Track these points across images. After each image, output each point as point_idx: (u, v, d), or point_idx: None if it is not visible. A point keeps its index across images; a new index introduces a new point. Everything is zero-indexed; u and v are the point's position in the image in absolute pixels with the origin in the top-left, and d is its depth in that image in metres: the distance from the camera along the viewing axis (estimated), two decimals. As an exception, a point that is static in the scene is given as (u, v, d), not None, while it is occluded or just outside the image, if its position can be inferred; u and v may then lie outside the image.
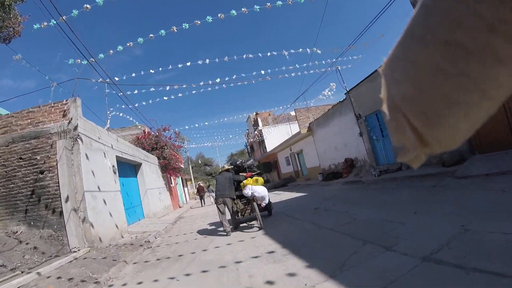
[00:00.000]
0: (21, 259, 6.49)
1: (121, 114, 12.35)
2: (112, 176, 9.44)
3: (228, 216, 7.46)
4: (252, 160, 9.12)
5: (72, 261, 6.24)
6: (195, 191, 41.54)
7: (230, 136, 45.76)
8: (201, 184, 24.98)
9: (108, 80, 9.09)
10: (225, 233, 6.84)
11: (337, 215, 6.32)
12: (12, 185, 7.94)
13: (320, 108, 21.67)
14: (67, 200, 7.09)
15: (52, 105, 8.27)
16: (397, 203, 6.27)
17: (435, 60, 0.43)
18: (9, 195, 7.93)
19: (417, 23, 0.46)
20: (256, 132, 33.86)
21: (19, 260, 6.44)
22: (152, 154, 17.46)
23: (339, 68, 15.93)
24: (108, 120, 10.46)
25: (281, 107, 30.64)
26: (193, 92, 11.49)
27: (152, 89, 11.91)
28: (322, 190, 12.93)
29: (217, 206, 7.29)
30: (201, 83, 11.19)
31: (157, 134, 19.09)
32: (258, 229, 6.76)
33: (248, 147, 46.70)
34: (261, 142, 34.93)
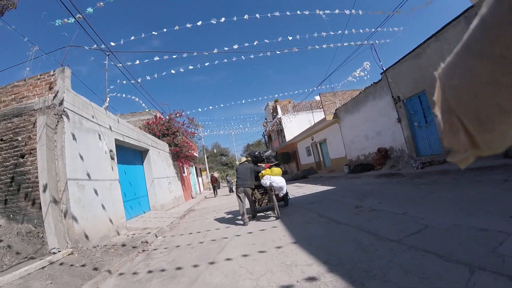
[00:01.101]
0: (-14, 262, 5.25)
1: (124, 96, 10.96)
2: (109, 162, 8.12)
3: (247, 205, 7.54)
4: (270, 151, 9.09)
5: (45, 267, 4.93)
6: (209, 181, 40.76)
7: (248, 124, 44.22)
8: (215, 175, 24.57)
9: (102, 46, 7.68)
10: (243, 223, 6.93)
11: (393, 218, 4.69)
12: (-9, 171, 6.72)
13: (348, 94, 19.74)
14: (45, 189, 5.76)
15: (38, 77, 6.98)
16: (472, 202, 4.56)
17: (491, 72, 0.48)
18: (-13, 182, 6.73)
19: (476, 36, 0.51)
20: (276, 120, 32.18)
21: (-17, 263, 5.21)
22: (163, 141, 16.20)
23: (375, 42, 14.01)
24: (108, 99, 9.14)
25: (306, 90, 28.53)
26: (206, 64, 9.76)
27: (164, 73, 10.46)
28: (353, 184, 11.26)
29: (237, 195, 7.42)
30: (215, 51, 9.48)
31: (169, 119, 17.79)
32: (275, 218, 6.88)
33: (266, 136, 45.16)
34: (280, 131, 33.25)
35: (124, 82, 9.75)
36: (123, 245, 6.19)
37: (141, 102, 11.55)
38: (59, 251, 5.49)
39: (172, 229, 8.27)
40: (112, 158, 8.29)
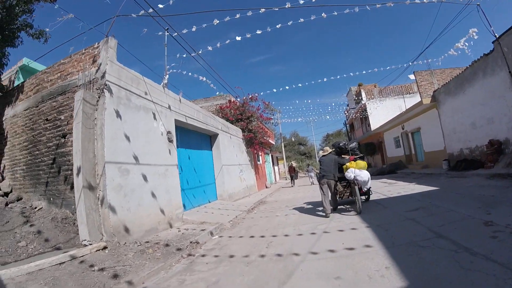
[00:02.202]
0: (12, 246, 4.50)
1: (188, 74, 9.86)
2: (165, 145, 7.05)
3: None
4: (355, 143, 8.67)
5: (64, 262, 3.93)
6: (287, 170, 39.35)
7: (328, 111, 41.18)
8: (293, 164, 23.91)
9: (150, 11, 6.47)
10: (325, 215, 6.71)
11: None
12: (37, 152, 6.16)
13: (447, 73, 15.91)
14: (78, 172, 4.78)
15: (83, 51, 6.22)
16: None
17: None
18: (34, 163, 6.22)
19: None
20: (360, 105, 28.91)
21: (9, 247, 4.46)
22: (236, 126, 15.11)
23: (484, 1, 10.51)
24: (167, 76, 8.08)
25: (397, 66, 24.55)
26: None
27: (228, 41, 9.04)
28: (462, 185, 8.41)
29: (320, 187, 7.13)
30: (289, 22, 7.71)
31: (243, 103, 16.62)
32: (356, 213, 6.58)
33: (347, 125, 41.69)
34: (364, 119, 29.85)
35: (184, 55, 8.56)
36: (167, 245, 4.95)
37: (209, 82, 10.40)
38: (90, 244, 4.48)
39: (234, 226, 6.86)
40: (170, 141, 7.22)
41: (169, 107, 7.62)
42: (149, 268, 3.90)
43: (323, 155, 7.45)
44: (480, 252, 2.96)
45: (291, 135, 65.59)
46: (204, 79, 10.15)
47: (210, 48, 8.18)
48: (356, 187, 6.80)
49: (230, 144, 12.90)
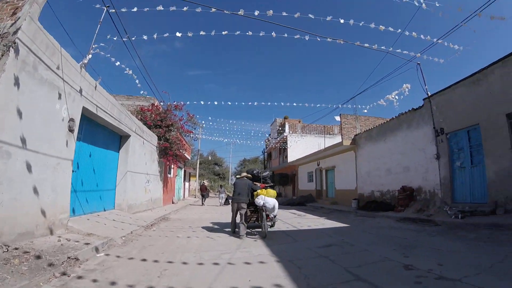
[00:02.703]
0: None
1: (117, 63, 8.87)
2: (64, 133, 6.07)
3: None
4: (268, 171, 9.42)
5: None
6: (198, 188, 38.46)
7: (251, 134, 42.12)
8: (206, 183, 24.92)
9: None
10: (238, 236, 7.12)
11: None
12: None
13: (371, 121, 17.82)
14: None
15: (7, 0, 5.11)
16: None
17: None
18: None
19: None
20: (282, 137, 30.25)
21: None
22: (153, 132, 14.20)
23: (423, 60, 12.27)
24: (90, 55, 7.15)
25: (328, 105, 26.30)
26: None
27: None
28: (372, 226, 9.14)
29: (232, 209, 7.78)
30: (224, 32, 7.59)
31: (166, 110, 15.82)
32: (261, 236, 7.17)
33: (266, 153, 43.19)
34: (283, 150, 31.29)
35: (115, 38, 7.74)
36: (38, 257, 4.07)
37: (134, 76, 9.54)
38: None
39: (126, 243, 6.03)
40: (71, 130, 6.25)
41: (80, 92, 6.66)
42: (8, 286, 3.10)
43: (238, 178, 8.18)
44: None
45: (209, 153, 65.18)
46: (130, 72, 9.33)
47: (145, 37, 7.56)
48: (264, 213, 7.38)
49: (141, 149, 11.96)
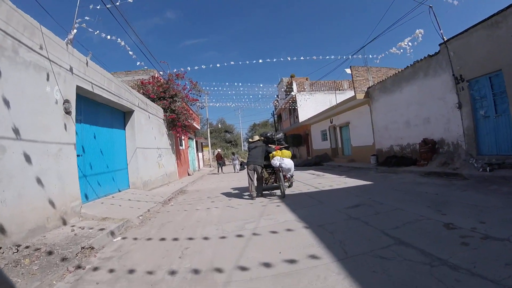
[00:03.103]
0: None
1: (107, 37, 8.16)
2: (60, 117, 5.66)
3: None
4: (282, 134, 9.40)
5: None
6: (212, 157, 38.56)
7: (259, 97, 41.43)
8: (220, 152, 24.93)
9: None
10: (250, 197, 7.69)
11: None
12: None
13: (383, 72, 16.82)
14: None
15: None
16: None
17: None
18: None
19: None
20: (290, 97, 29.42)
21: None
22: (158, 105, 13.73)
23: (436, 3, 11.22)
24: (74, 30, 6.55)
25: (337, 57, 25.14)
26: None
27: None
28: (397, 181, 8.74)
29: (247, 172, 7.91)
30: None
31: (168, 80, 15.22)
32: (280, 197, 7.43)
33: (275, 116, 42.54)
34: (293, 111, 30.58)
35: (98, 7, 7.01)
36: (50, 253, 3.81)
37: (128, 48, 8.90)
38: None
39: (144, 223, 5.81)
40: (67, 112, 5.82)
41: (71, 70, 6.15)
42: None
43: (252, 142, 8.33)
44: (461, 265, 2.60)
45: (218, 121, 64.94)
46: (123, 43, 8.66)
47: None
48: (281, 174, 7.71)
49: (148, 124, 11.57)
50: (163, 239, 4.54)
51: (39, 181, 4.80)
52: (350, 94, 20.42)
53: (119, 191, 8.84)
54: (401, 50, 11.98)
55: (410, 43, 11.53)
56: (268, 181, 8.68)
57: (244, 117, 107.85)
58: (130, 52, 9.19)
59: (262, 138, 8.82)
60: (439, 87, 10.54)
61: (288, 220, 5.05)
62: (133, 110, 10.01)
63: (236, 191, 9.73)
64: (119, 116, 9.69)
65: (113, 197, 7.90)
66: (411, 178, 9.13)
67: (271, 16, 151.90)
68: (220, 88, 20.16)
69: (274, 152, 8.01)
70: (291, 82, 30.09)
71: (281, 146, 8.54)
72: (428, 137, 11.19)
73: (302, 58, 13.79)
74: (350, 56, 14.15)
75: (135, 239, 4.70)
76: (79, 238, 4.37)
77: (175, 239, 4.45)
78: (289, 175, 8.16)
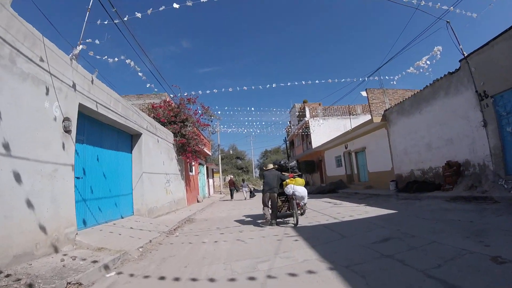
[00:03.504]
0: None
1: (115, 59, 8.03)
2: (60, 135, 5.31)
3: None
4: (294, 161, 10.30)
5: None
6: (224, 183, 37.96)
7: (271, 125, 41.19)
8: (232, 178, 25.45)
9: None
10: (268, 223, 7.74)
11: None
12: None
13: (399, 94, 16.37)
14: None
15: None
16: None
17: None
18: None
19: None
20: (303, 122, 29.05)
21: None
22: (168, 129, 13.48)
23: (453, 18, 10.90)
24: (80, 46, 6.38)
25: (353, 79, 24.83)
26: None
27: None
28: (422, 208, 8.09)
29: (263, 199, 8.04)
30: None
31: (179, 104, 15.05)
32: (293, 225, 7.43)
33: (288, 142, 42.08)
34: (306, 136, 30.11)
35: (106, 22, 6.84)
36: (30, 286, 3.32)
37: (138, 68, 8.67)
38: None
39: (143, 256, 5.21)
40: (67, 131, 5.47)
41: (74, 86, 5.88)
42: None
43: (267, 170, 8.47)
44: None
45: (230, 147, 64.89)
46: (132, 63, 8.49)
47: (138, 15, 6.57)
48: (294, 202, 7.79)
49: (156, 148, 11.24)
50: (162, 277, 3.93)
51: (29, 203, 4.36)
52: (364, 118, 19.97)
53: (122, 218, 8.33)
54: (420, 70, 11.60)
55: (428, 62, 11.15)
56: (281, 209, 8.67)
57: (256, 143, 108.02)
58: (140, 73, 9.01)
59: (276, 166, 8.89)
60: (461, 105, 10.02)
61: (309, 259, 4.32)
62: (141, 133, 9.69)
63: (248, 221, 9.12)
64: (126, 139, 9.37)
65: (114, 224, 7.38)
66: (437, 204, 8.41)
67: (282, 42, 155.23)
68: (232, 113, 19.96)
69: (287, 180, 8.10)
70: (304, 108, 29.87)
71: (295, 174, 8.70)
72: (451, 160, 10.50)
73: (316, 81, 13.49)
74: (366, 78, 13.77)
75: (131, 275, 4.11)
76: (67, 271, 3.84)
77: (176, 279, 3.83)
78: (302, 203, 8.23)
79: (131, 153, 9.56)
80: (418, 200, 9.85)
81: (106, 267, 4.25)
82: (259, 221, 8.73)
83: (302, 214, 8.70)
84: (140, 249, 5.49)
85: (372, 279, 3.24)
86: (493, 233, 4.50)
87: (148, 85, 9.90)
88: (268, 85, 10.37)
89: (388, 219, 7.12)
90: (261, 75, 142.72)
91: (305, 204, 8.49)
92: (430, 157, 11.81)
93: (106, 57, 7.54)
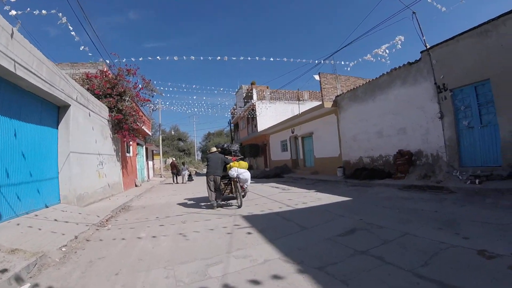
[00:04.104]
0: None
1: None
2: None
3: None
4: (237, 145, 10.05)
5: None
6: (164, 166, 36.24)
7: (217, 106, 40.06)
8: (174, 161, 24.03)
9: None
10: (212, 207, 7.91)
11: None
12: None
13: (351, 81, 16.49)
14: None
15: None
16: None
17: None
18: None
19: None
20: (250, 104, 28.48)
21: None
22: (103, 103, 11.93)
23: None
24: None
25: (306, 61, 24.61)
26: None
27: None
28: (377, 196, 8.12)
29: (207, 182, 8.17)
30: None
31: (117, 75, 13.42)
32: (237, 207, 7.78)
33: (232, 125, 41.40)
34: (252, 119, 29.70)
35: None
36: None
37: (70, 26, 7.20)
38: None
39: (66, 258, 4.15)
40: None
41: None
42: None
43: (210, 153, 8.64)
44: None
45: (172, 128, 62.35)
46: (64, 19, 6.98)
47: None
48: (238, 184, 8.10)
49: (88, 123, 9.75)
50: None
51: None
52: (311, 105, 20.02)
53: (46, 207, 7.03)
54: (378, 58, 11.59)
55: (387, 50, 11.15)
56: (224, 192, 8.84)
57: (200, 124, 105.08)
58: (73, 33, 7.56)
59: (219, 149, 9.19)
60: (418, 96, 10.22)
61: (270, 258, 3.66)
62: (70, 105, 8.22)
63: (191, 208, 8.47)
64: (52, 111, 7.88)
65: (36, 215, 6.11)
66: (391, 192, 8.52)
67: (238, 24, 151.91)
68: (175, 89, 18.51)
69: (231, 163, 8.42)
70: (251, 89, 29.24)
71: (237, 158, 9.17)
72: (403, 149, 10.77)
73: (264, 58, 12.49)
74: (322, 61, 13.41)
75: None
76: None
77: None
78: (245, 186, 8.51)
79: (57, 128, 8.10)
80: (369, 187, 9.93)
81: (18, 278, 3.23)
82: (202, 205, 8.75)
83: (243, 196, 8.68)
84: (63, 249, 4.44)
85: (358, 285, 2.75)
86: (466, 224, 4.42)
87: (82, 48, 8.37)
88: (218, 57, 9.40)
89: (345, 207, 6.91)
90: (211, 54, 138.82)
91: (246, 187, 8.70)
92: (381, 145, 12.03)
93: (29, 9, 6.05)
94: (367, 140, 12.87)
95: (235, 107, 36.04)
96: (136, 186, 17.12)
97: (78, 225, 5.94)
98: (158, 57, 9.35)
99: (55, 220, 6.06)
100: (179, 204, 9.41)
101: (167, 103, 24.41)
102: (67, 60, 15.81)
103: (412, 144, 10.58)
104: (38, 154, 7.08)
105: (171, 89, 16.07)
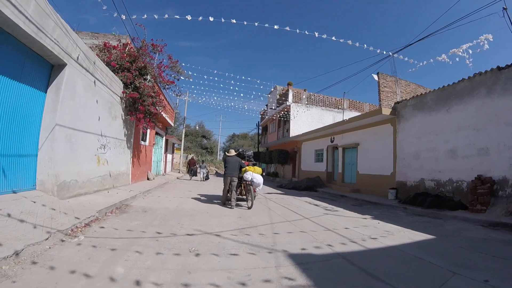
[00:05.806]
0: None
1: None
2: None
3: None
4: (251, 151, 10.66)
5: None
6: (184, 162, 34.75)
7: (249, 101, 38.22)
8: (194, 157, 24.52)
9: None
10: (230, 206, 8.35)
11: None
12: None
13: (412, 87, 14.09)
14: None
15: None
16: None
17: None
18: None
19: None
20: (284, 106, 26.47)
21: None
22: (118, 77, 10.25)
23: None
24: None
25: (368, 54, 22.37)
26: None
27: None
28: (460, 234, 5.82)
29: (224, 183, 8.73)
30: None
31: (140, 47, 11.75)
32: (247, 208, 8.37)
33: (260, 128, 39.39)
34: (283, 123, 27.63)
35: None
36: None
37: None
38: None
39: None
40: None
41: None
42: None
43: (229, 156, 9.06)
44: None
45: (196, 124, 61.51)
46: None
47: None
48: (251, 187, 8.58)
49: (90, 94, 7.96)
50: None
51: None
52: (349, 115, 17.81)
53: (14, 193, 5.28)
54: (456, 59, 9.38)
55: (470, 50, 8.88)
56: (237, 193, 9.14)
57: (226, 122, 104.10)
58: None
59: (237, 152, 9.71)
60: (508, 109, 7.98)
61: None
62: (66, 64, 6.47)
63: (208, 224, 6.07)
64: (41, 68, 6.13)
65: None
66: (478, 231, 6.35)
67: (272, 28, 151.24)
68: (206, 82, 16.67)
69: (247, 167, 8.96)
70: (287, 91, 27.18)
71: (250, 163, 9.69)
72: (483, 174, 8.37)
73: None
74: (390, 53, 11.11)
75: None
76: None
77: None
78: (258, 189, 9.06)
79: (46, 92, 6.34)
80: (441, 220, 7.64)
81: None
82: (224, 216, 7.02)
83: (254, 198, 8.89)
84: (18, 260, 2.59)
85: None
86: None
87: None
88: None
89: (436, 251, 4.64)
90: (242, 57, 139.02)
91: (258, 190, 9.33)
92: (453, 167, 9.58)
93: None
94: (434, 159, 10.43)
95: (265, 108, 34.11)
96: (148, 179, 15.43)
97: (36, 228, 4.06)
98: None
99: (9, 215, 4.24)
100: (193, 212, 7.34)
101: (195, 94, 22.94)
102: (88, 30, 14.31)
103: (495, 170, 8.20)
104: (12, 121, 5.35)
105: (200, 75, 14.29)
